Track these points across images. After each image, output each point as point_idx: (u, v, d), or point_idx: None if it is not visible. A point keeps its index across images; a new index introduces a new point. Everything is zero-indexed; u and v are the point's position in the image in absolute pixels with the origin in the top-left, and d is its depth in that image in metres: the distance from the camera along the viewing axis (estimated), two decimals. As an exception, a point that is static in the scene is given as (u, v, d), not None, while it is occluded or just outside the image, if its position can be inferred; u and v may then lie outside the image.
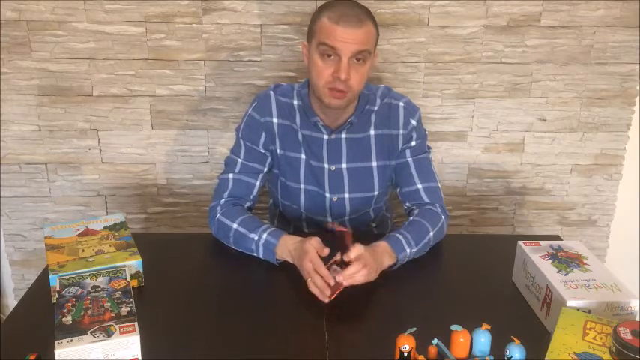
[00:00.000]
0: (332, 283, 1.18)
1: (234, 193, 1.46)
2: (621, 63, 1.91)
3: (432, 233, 1.38)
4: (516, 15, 1.84)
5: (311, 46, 1.34)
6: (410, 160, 1.47)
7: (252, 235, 1.34)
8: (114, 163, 1.95)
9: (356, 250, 1.20)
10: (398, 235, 1.33)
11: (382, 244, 1.30)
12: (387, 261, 1.28)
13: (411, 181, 1.48)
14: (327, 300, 1.17)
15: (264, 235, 1.33)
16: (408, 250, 1.31)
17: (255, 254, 1.35)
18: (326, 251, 1.23)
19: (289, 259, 1.31)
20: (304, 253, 1.23)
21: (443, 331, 1.02)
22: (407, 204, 1.50)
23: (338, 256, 1.22)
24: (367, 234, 1.58)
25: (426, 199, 1.46)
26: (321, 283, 1.17)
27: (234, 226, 1.38)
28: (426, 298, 1.23)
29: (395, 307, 1.20)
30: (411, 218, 1.42)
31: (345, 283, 1.17)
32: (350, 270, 1.17)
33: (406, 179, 1.48)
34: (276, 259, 1.32)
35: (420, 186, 1.47)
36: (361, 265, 1.18)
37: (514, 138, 1.98)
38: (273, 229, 1.35)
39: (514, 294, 1.24)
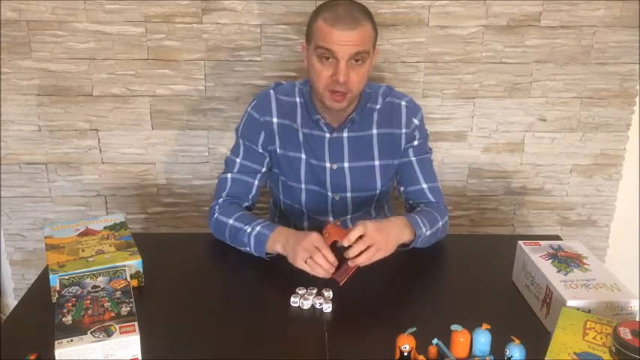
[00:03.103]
0: (335, 264, 1.18)
1: (233, 192, 1.46)
2: (621, 63, 1.90)
3: (440, 223, 1.40)
4: (516, 15, 1.84)
5: (309, 49, 1.34)
6: (413, 159, 1.48)
7: (245, 227, 1.34)
8: (114, 163, 1.95)
9: (355, 232, 1.18)
10: (413, 214, 1.34)
11: (400, 218, 1.30)
12: (407, 235, 1.29)
13: (415, 180, 1.49)
14: (340, 282, 1.17)
15: (258, 228, 1.32)
16: (424, 230, 1.33)
17: (247, 249, 1.34)
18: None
19: (280, 249, 1.28)
20: (306, 235, 1.23)
21: (443, 331, 1.02)
22: (410, 202, 1.51)
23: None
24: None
25: (431, 197, 1.49)
26: (324, 262, 1.18)
27: (230, 221, 1.37)
28: (426, 298, 1.23)
29: (395, 307, 1.20)
30: (419, 208, 1.44)
31: (353, 264, 1.17)
32: (352, 251, 1.17)
33: (410, 178, 1.49)
34: (267, 254, 1.31)
35: (425, 185, 1.48)
36: (364, 245, 1.17)
37: (514, 138, 1.98)
38: (268, 222, 1.34)
39: (514, 294, 1.24)
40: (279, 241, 1.29)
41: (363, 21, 1.28)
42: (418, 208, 1.44)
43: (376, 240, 1.19)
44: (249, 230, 1.33)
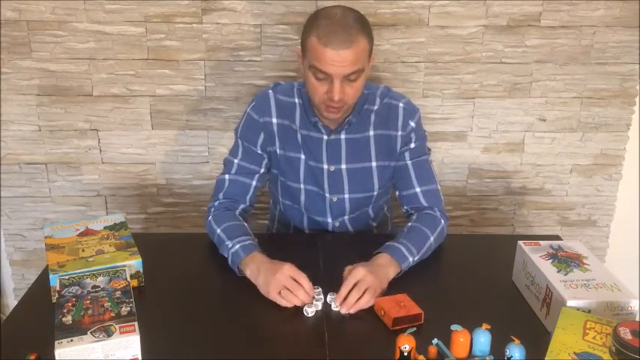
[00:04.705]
0: (312, 293, 1.18)
1: (230, 192, 1.46)
2: (621, 63, 1.91)
3: (432, 239, 1.37)
4: (516, 15, 1.84)
5: (304, 61, 1.33)
6: (409, 162, 1.47)
7: (227, 242, 1.33)
8: (114, 163, 1.95)
9: (352, 277, 1.19)
10: (397, 244, 1.32)
11: (384, 257, 1.29)
12: (392, 272, 1.27)
13: (409, 184, 1.47)
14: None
15: (237, 246, 1.31)
16: (411, 259, 1.31)
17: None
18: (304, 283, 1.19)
19: (248, 275, 1.26)
20: (279, 267, 1.21)
21: (443, 331, 1.02)
22: (405, 207, 1.49)
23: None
24: (367, 234, 1.58)
25: (424, 202, 1.46)
26: (302, 295, 1.17)
27: (218, 231, 1.37)
28: (426, 298, 1.23)
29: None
30: (410, 224, 1.40)
31: (352, 311, 1.16)
32: (351, 298, 1.17)
33: (405, 182, 1.47)
34: (239, 270, 1.30)
35: (418, 189, 1.46)
36: (361, 291, 1.17)
37: (514, 138, 1.98)
38: (248, 242, 1.32)
39: (514, 294, 1.24)
40: (249, 267, 1.26)
41: (357, 36, 1.25)
42: (409, 224, 1.41)
43: (371, 284, 1.19)
44: (229, 245, 1.32)
